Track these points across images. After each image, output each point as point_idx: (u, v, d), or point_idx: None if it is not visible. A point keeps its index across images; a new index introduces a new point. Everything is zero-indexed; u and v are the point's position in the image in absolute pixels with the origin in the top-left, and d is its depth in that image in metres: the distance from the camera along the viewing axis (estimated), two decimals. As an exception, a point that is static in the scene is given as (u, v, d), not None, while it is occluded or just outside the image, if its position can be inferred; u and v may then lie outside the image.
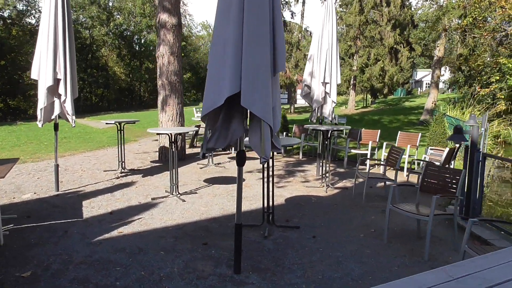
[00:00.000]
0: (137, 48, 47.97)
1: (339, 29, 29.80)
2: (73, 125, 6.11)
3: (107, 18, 41.86)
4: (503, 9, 15.53)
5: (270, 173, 4.71)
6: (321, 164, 7.48)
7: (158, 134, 8.91)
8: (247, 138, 3.57)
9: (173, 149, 6.06)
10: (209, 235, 4.48)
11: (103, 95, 44.08)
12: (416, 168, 7.69)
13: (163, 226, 4.79)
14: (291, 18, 30.96)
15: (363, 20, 27.82)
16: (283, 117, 10.37)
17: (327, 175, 6.86)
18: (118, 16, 43.40)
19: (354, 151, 9.11)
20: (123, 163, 8.06)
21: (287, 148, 10.35)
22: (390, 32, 27.63)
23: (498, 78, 14.46)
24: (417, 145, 8.02)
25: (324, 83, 7.30)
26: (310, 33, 31.37)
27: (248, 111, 3.30)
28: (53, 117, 5.99)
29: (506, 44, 16.90)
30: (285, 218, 5.11)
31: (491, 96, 15.00)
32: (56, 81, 5.75)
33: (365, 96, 35.11)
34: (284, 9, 30.24)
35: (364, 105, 34.24)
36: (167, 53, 8.93)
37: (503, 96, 14.08)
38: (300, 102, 45.31)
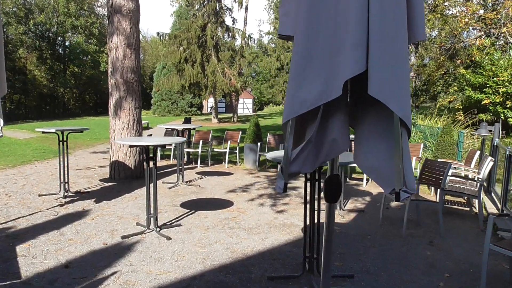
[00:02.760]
0: (61, 51, 43.82)
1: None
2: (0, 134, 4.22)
3: (26, 15, 37.62)
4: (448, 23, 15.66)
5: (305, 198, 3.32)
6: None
7: (131, 146, 7.02)
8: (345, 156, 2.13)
9: (150, 166, 4.41)
10: (234, 300, 2.97)
11: (20, 102, 39.43)
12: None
13: (155, 285, 3.16)
14: (233, 24, 29.74)
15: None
16: (256, 125, 9.02)
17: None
18: (38, 14, 39.21)
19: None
20: (67, 184, 6.14)
21: (260, 159, 8.98)
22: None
23: (456, 88, 14.43)
24: (420, 157, 7.07)
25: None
26: (254, 40, 30.50)
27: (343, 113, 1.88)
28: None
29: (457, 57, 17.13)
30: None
31: (448, 107, 14.93)
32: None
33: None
34: (225, 15, 29.08)
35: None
36: (122, 45, 7.16)
37: (461, 107, 14.01)
38: (242, 111, 44.20)
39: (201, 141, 8.83)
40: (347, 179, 7.75)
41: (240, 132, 9.41)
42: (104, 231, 4.43)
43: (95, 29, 43.66)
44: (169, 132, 10.49)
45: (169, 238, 4.18)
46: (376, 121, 1.77)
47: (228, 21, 54.81)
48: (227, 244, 4.06)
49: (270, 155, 3.28)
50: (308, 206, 3.38)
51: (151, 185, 4.49)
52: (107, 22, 7.55)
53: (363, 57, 1.62)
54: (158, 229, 4.43)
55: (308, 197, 3.38)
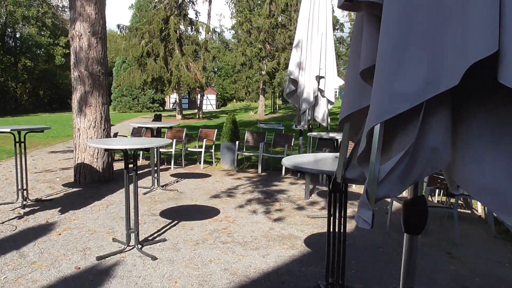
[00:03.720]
0: (11, 43, 41.03)
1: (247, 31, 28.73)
2: None
3: (-29, 4, 34.85)
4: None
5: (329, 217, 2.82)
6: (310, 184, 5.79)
7: (107, 150, 6.21)
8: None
9: (130, 172, 3.77)
10: None
11: (-33, 97, 36.62)
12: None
13: (148, 324, 2.56)
14: (196, 17, 28.85)
15: (274, 23, 27.07)
16: (233, 121, 8.44)
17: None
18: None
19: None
20: (25, 191, 5.33)
21: (238, 159, 8.42)
22: (301, 37, 27.30)
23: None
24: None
25: (318, 78, 5.62)
26: (218, 34, 29.76)
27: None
28: None
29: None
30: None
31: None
32: None
33: (275, 101, 34.62)
34: (188, 7, 28.13)
35: (272, 110, 33.66)
36: (86, 33, 6.38)
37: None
38: (206, 107, 43.20)
39: (174, 140, 8.15)
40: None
41: (216, 130, 8.81)
42: (74, 250, 3.74)
43: (48, 20, 41.20)
44: (136, 130, 9.72)
45: (154, 258, 3.56)
46: (496, 122, 1.28)
47: (191, 14, 53.66)
48: (224, 263, 3.50)
49: (288, 161, 2.71)
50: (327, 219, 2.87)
51: (132, 193, 3.84)
52: (68, 7, 6.72)
53: (494, 33, 1.12)
54: (139, 246, 3.80)
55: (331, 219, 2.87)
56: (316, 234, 4.33)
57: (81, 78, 6.43)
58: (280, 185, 6.86)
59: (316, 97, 5.70)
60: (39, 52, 42.08)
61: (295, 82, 5.77)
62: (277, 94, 32.73)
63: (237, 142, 8.20)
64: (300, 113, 5.76)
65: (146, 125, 5.95)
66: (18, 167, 5.28)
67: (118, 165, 8.07)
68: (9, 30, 40.53)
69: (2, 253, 3.64)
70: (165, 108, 45.40)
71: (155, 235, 4.20)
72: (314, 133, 6.34)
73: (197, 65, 27.66)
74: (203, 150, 8.32)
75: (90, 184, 6.53)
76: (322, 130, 9.52)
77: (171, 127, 8.00)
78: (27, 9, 38.75)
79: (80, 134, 6.50)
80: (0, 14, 38.17)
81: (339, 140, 5.18)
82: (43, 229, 4.30)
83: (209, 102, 49.94)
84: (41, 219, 4.66)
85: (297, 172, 8.01)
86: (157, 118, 8.54)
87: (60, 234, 4.15)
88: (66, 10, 46.61)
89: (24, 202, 5.29)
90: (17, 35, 41.27)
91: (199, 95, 31.06)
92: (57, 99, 45.22)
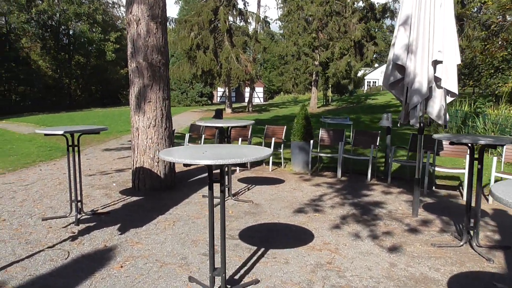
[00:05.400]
0: (65, 40, 42.08)
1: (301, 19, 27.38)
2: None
3: (28, 2, 35.85)
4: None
5: None
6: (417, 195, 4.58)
7: (187, 165, 5.35)
8: None
9: (216, 192, 2.77)
10: None
11: (25, 93, 37.91)
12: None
13: None
14: (245, 7, 27.77)
15: (328, 11, 25.53)
16: (305, 117, 7.34)
17: (472, 224, 3.81)
18: (40, 1, 37.40)
19: (442, 170, 6.01)
20: (80, 203, 4.53)
21: (313, 157, 7.31)
22: (356, 24, 25.63)
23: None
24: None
25: (435, 64, 4.39)
26: (269, 23, 28.63)
27: None
28: None
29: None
30: None
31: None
32: None
33: (325, 93, 33.08)
34: (236, -3, 27.13)
35: (324, 102, 32.16)
36: (145, 17, 5.49)
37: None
38: (253, 100, 42.31)
39: (240, 139, 7.17)
40: (433, 187, 6.10)
41: (285, 127, 7.74)
42: (142, 294, 2.82)
43: (99, 17, 41.84)
44: (195, 128, 8.86)
45: (251, 313, 2.56)
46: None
47: (240, 4, 52.70)
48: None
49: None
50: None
51: (219, 221, 2.86)
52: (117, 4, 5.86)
53: None
54: (227, 291, 2.82)
55: None
56: (460, 274, 3.16)
57: (139, 69, 5.57)
58: (371, 194, 5.70)
59: (430, 88, 4.47)
60: (90, 48, 42.92)
61: (401, 68, 4.58)
62: (330, 86, 31.17)
63: (311, 141, 7.09)
64: (409, 107, 4.56)
65: (216, 124, 4.96)
66: (72, 173, 4.49)
67: (178, 166, 7.22)
68: (62, 27, 41.56)
69: (51, 296, 2.78)
70: (213, 101, 45.03)
71: (242, 271, 3.21)
72: (443, 135, 4.58)
73: (247, 56, 26.74)
74: (271, 150, 7.27)
75: (150, 191, 5.69)
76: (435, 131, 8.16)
77: (245, 126, 7.02)
78: (78, 6, 39.48)
79: (139, 134, 5.66)
80: (54, 12, 39.11)
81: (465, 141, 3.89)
82: (101, 258, 3.43)
83: (256, 95, 49.02)
84: (98, 241, 3.81)
85: (385, 177, 6.81)
86: (219, 114, 7.58)
87: (122, 267, 3.25)
88: (115, 6, 47.32)
89: (79, 216, 4.49)
90: (70, 33, 42.26)
91: (247, 88, 30.17)
92: (108, 94, 46.07)
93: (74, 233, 4.04)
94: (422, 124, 4.58)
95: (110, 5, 46.66)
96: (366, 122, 18.58)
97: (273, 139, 7.39)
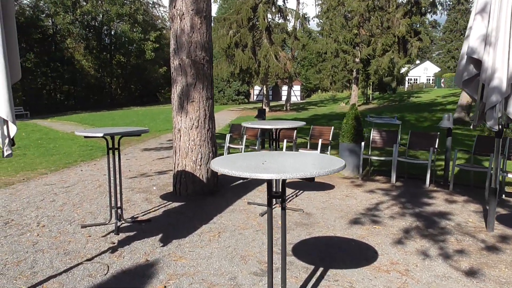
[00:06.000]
0: (107, 40, 43.11)
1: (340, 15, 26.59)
2: (4, 154, 2.34)
3: (73, 4, 36.94)
4: None
5: None
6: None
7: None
8: None
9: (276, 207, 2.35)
10: None
11: (70, 92, 39.16)
12: None
13: None
14: (283, 4, 27.22)
15: (371, 6, 24.59)
16: (355, 117, 6.82)
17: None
18: (84, 3, 38.45)
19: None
20: (120, 209, 4.27)
21: (362, 163, 6.78)
22: (401, 19, 24.55)
23: None
24: None
25: (519, 57, 3.78)
26: (308, 20, 27.97)
27: None
28: None
29: None
30: None
31: None
32: None
33: (365, 91, 32.06)
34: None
35: (364, 101, 31.15)
36: (189, 11, 5.17)
37: None
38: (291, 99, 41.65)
39: (285, 141, 6.75)
40: (502, 195, 5.44)
41: (332, 127, 7.25)
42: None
43: (139, 17, 42.57)
44: (235, 128, 8.53)
45: None
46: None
47: (279, 1, 52.22)
48: None
49: None
50: None
51: (275, 237, 2.45)
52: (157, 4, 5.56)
53: None
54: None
55: None
56: None
57: (182, 67, 5.26)
58: (433, 203, 5.12)
59: (511, 85, 3.87)
60: (131, 48, 43.75)
61: (477, 63, 4.00)
62: (371, 83, 30.12)
63: (362, 143, 6.57)
64: (486, 108, 3.97)
65: (265, 126, 4.54)
66: (112, 177, 4.23)
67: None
68: (105, 28, 42.58)
69: (89, 320, 2.47)
70: (250, 100, 44.83)
71: (301, 297, 2.79)
72: None
73: (286, 54, 26.25)
74: (318, 151, 6.82)
75: (192, 196, 5.37)
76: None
77: (295, 128, 6.61)
78: (120, 7, 40.29)
79: (181, 136, 5.35)
80: (97, 12, 40.12)
81: None
82: (142, 275, 3.10)
83: (293, 93, 48.37)
84: (139, 254, 3.50)
85: (443, 182, 6.19)
86: (261, 113, 7.18)
87: (165, 287, 2.91)
88: (155, 6, 48.04)
89: (119, 223, 4.23)
90: (112, 33, 43.24)
91: (284, 86, 29.66)
92: (147, 93, 46.85)
93: (114, 243, 3.76)
94: (501, 126, 3.99)
95: (150, 5, 47.42)
96: (412, 121, 17.68)
97: (320, 140, 6.91)
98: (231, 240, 3.83)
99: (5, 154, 2.29)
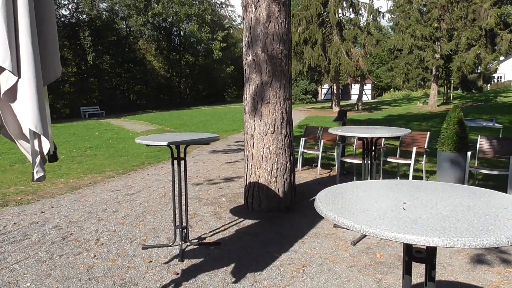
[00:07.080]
0: (176, 41, 44.16)
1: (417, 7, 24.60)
2: (35, 178, 1.72)
3: (145, 6, 38.20)
4: None
5: None
6: None
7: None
8: None
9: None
10: None
11: (141, 92, 40.62)
12: None
13: None
14: (356, -3, 25.70)
15: (454, -5, 22.41)
16: (459, 121, 5.68)
17: None
18: (156, 5, 39.60)
19: None
20: (186, 230, 3.64)
21: (468, 177, 5.62)
22: (489, 10, 22.09)
23: None
24: None
25: None
26: (382, 14, 26.26)
27: None
28: None
29: None
30: None
31: None
32: None
33: (444, 89, 29.58)
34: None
35: (444, 100, 28.69)
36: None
37: None
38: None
39: (412, 161, 5.79)
40: None
41: (428, 133, 6.15)
42: None
43: (208, 17, 43.06)
44: (310, 131, 7.72)
45: None
46: None
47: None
48: None
49: None
50: None
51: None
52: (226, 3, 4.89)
53: None
54: None
55: None
56: None
57: (256, 63, 4.54)
58: None
59: None
60: (199, 48, 44.42)
61: None
62: (452, 81, 27.67)
63: (468, 153, 5.43)
64: None
65: (361, 134, 3.65)
66: (176, 191, 3.62)
67: (302, 175, 6.10)
68: (174, 29, 43.62)
69: None
70: (317, 99, 43.59)
71: None
72: None
73: (358, 51, 24.85)
74: (412, 162, 5.77)
75: (267, 212, 4.64)
76: None
77: (398, 138, 5.66)
78: (189, 7, 41.00)
79: (254, 143, 4.65)
80: (167, 14, 41.16)
81: None
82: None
83: (364, 92, 46.29)
84: (207, 293, 2.82)
85: None
86: (342, 115, 6.26)
87: None
88: (223, 6, 48.41)
89: (183, 245, 3.61)
90: (181, 33, 44.18)
91: (354, 85, 28.17)
92: (214, 93, 47.37)
93: (178, 274, 3.13)
94: None
95: (218, 5, 47.87)
96: (506, 124, 15.63)
97: (414, 148, 5.86)
98: (320, 279, 3.02)
99: (36, 177, 1.69)
